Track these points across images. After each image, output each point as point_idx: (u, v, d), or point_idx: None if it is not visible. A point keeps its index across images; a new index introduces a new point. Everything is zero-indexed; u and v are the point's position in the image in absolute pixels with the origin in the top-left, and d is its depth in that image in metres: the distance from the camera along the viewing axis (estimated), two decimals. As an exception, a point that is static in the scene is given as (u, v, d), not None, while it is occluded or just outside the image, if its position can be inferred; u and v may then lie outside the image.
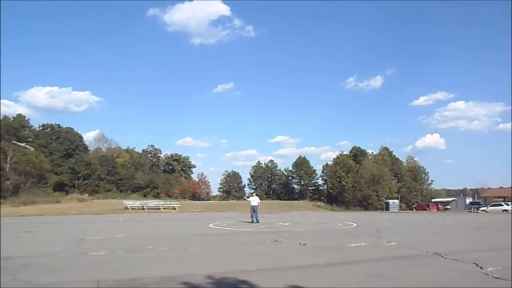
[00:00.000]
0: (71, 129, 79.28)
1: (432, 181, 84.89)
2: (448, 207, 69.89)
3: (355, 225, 21.82)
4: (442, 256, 9.13)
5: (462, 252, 9.97)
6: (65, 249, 10.68)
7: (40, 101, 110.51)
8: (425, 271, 7.56)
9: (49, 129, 77.69)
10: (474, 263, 8.00)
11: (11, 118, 69.84)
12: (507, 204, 55.54)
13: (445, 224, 24.56)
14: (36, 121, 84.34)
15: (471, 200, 69.33)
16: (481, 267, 7.60)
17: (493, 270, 7.29)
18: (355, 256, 9.51)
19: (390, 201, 66.66)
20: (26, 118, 72.86)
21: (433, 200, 78.23)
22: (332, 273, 7.47)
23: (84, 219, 28.76)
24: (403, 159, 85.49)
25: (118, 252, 10.05)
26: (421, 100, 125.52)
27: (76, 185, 71.35)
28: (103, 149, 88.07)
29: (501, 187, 79.18)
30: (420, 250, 10.28)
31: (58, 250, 10.50)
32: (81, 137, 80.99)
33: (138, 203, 49.30)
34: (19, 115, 72.15)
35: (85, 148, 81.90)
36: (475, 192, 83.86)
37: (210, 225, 20.93)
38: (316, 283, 6.42)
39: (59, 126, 78.66)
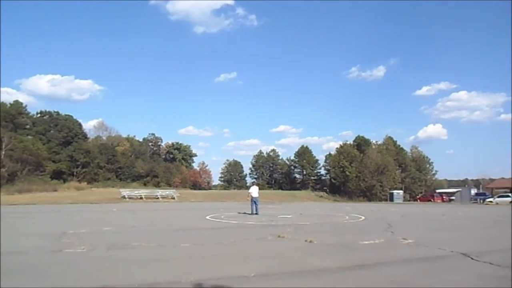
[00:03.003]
0: (70, 116, 78.01)
1: (436, 171, 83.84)
2: (453, 198, 68.59)
3: (363, 218, 20.49)
4: (472, 258, 7.84)
5: (492, 252, 8.71)
6: (41, 245, 9.47)
7: (42, 89, 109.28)
8: (458, 279, 6.24)
9: (47, 116, 76.33)
10: (513, 269, 6.70)
11: (8, 105, 68.50)
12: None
13: (458, 217, 23.20)
14: (37, 109, 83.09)
15: (476, 191, 68.07)
16: (524, 274, 6.28)
17: (542, 279, 5.97)
18: (370, 257, 8.16)
19: (395, 191, 65.47)
20: (24, 105, 71.64)
21: (437, 191, 76.97)
22: (347, 280, 6.15)
23: (77, 209, 27.54)
24: (405, 149, 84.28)
25: (98, 250, 8.79)
26: (424, 90, 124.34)
27: (74, 173, 70.28)
28: (103, 137, 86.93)
29: (502, 178, 77.88)
30: (443, 249, 8.97)
31: (33, 246, 9.28)
32: (80, 124, 79.76)
33: (136, 192, 48.11)
34: (16, 101, 70.89)
35: (84, 136, 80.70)
36: (476, 183, 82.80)
37: (207, 217, 19.63)
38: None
39: (57, 113, 77.37)
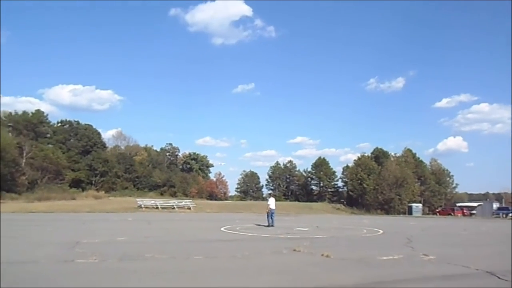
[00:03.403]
0: (90, 126, 79.09)
1: (457, 184, 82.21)
2: (474, 212, 66.94)
3: (381, 231, 19.95)
4: (498, 277, 7.38)
5: (520, 271, 8.20)
6: (52, 254, 9.32)
7: (63, 99, 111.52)
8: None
9: (67, 126, 77.51)
10: (544, 290, 6.28)
11: (30, 114, 69.80)
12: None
13: (481, 232, 22.47)
14: (58, 118, 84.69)
15: (498, 205, 66.28)
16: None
17: None
18: (389, 273, 7.80)
19: (414, 205, 64.29)
20: (45, 114, 72.87)
21: (458, 204, 75.29)
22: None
23: (93, 218, 27.59)
24: (424, 162, 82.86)
25: (109, 261, 8.60)
26: (444, 102, 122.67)
27: (93, 182, 70.95)
28: (122, 147, 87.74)
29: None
30: (467, 267, 8.52)
31: (44, 255, 9.13)
32: (99, 134, 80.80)
33: (152, 202, 48.22)
34: (38, 110, 72.15)
35: (103, 145, 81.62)
36: (497, 197, 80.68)
37: (222, 228, 19.36)
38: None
39: (77, 122, 78.58)
